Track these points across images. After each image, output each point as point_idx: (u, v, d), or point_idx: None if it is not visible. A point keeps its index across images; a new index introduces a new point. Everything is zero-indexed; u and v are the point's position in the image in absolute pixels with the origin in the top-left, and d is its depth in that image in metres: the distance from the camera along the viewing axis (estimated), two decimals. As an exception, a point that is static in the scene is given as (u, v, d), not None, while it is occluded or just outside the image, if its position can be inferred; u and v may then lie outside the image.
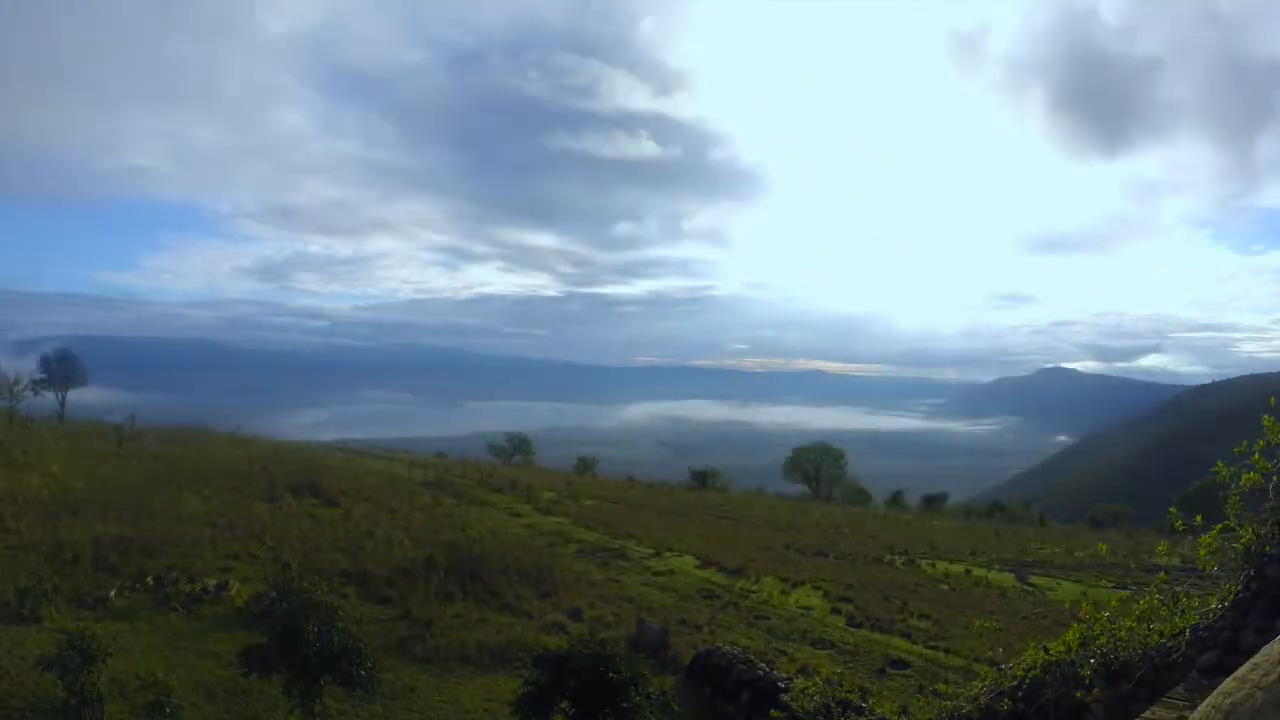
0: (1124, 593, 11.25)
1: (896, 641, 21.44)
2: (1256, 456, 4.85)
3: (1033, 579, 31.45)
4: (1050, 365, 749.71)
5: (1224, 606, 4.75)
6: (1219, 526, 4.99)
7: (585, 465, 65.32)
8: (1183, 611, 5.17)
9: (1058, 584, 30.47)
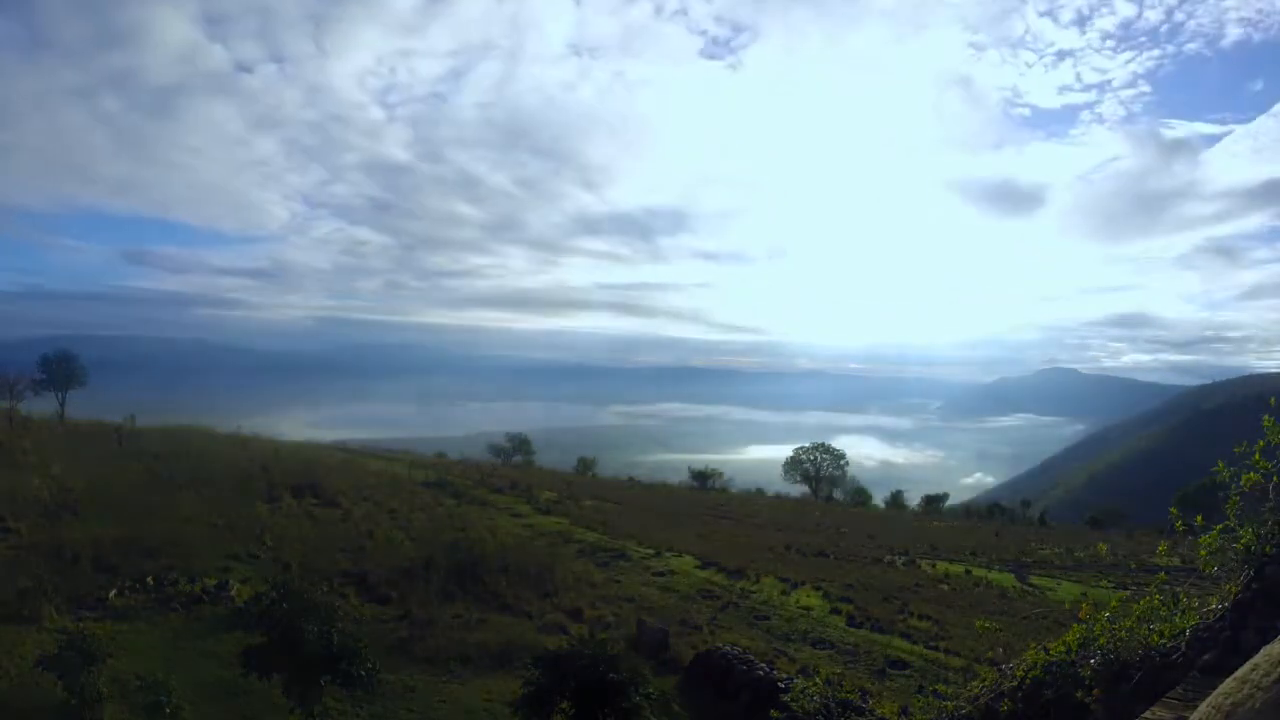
0: (1124, 593, 11.27)
1: (896, 642, 21.44)
2: (1256, 456, 4.84)
3: (1033, 579, 31.46)
4: (1050, 365, 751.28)
5: (1224, 607, 4.74)
6: (1219, 526, 4.98)
7: (585, 466, 65.38)
8: (1183, 611, 5.15)
9: (1058, 584, 30.47)
